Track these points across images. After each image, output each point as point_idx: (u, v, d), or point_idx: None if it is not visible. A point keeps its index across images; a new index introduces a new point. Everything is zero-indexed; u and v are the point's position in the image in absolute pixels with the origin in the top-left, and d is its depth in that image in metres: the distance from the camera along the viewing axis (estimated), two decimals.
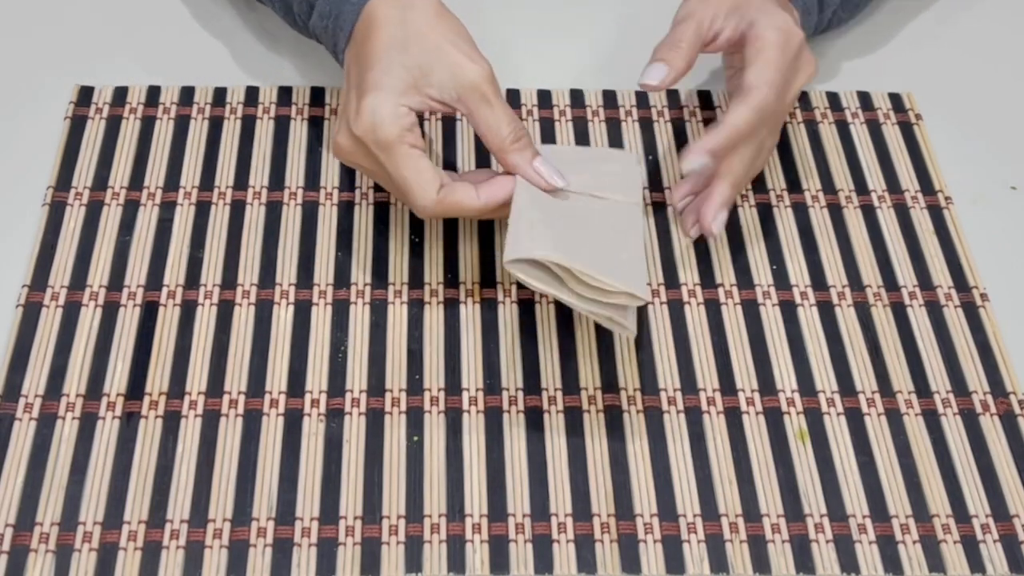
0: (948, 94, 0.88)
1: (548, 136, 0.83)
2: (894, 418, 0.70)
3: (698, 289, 0.75)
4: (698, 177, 0.75)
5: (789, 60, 0.74)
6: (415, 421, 0.68)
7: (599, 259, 0.66)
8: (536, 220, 0.68)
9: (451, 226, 0.77)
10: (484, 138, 0.70)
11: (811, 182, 0.81)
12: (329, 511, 0.65)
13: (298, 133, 0.82)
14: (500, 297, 0.74)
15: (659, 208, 0.79)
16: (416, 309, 0.73)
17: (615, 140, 0.83)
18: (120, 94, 0.83)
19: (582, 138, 0.83)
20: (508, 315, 0.73)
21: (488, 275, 0.75)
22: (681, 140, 0.83)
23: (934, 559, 0.65)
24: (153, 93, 0.84)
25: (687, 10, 0.76)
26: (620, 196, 0.73)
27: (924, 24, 0.93)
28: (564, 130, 0.83)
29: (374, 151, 0.68)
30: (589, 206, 0.71)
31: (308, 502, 0.65)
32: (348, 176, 0.80)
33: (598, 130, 0.84)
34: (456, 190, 0.69)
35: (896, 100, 0.87)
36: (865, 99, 0.87)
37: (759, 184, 0.81)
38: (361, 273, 0.75)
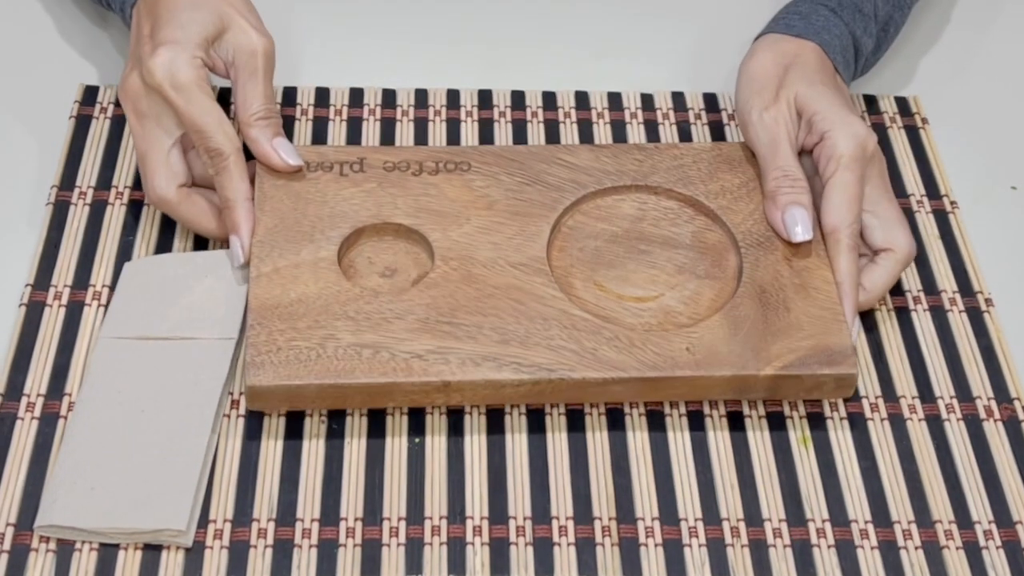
0: (955, 98, 0.88)
1: (552, 138, 0.83)
2: (897, 423, 0.70)
3: None
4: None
5: (865, 175, 0.72)
6: (416, 423, 0.68)
7: (136, 487, 0.63)
8: (75, 477, 0.63)
9: None
10: (237, 109, 0.72)
11: None
12: (330, 512, 0.65)
13: (299, 133, 0.82)
14: None
15: None
16: None
17: (620, 141, 0.83)
18: None
19: (587, 140, 0.83)
20: None
21: None
22: (686, 142, 0.83)
23: (936, 565, 0.64)
24: None
25: (768, 132, 0.73)
26: (215, 329, 0.69)
27: (930, 28, 0.93)
28: (569, 132, 0.83)
29: (170, 95, 0.70)
30: (157, 387, 0.67)
31: (309, 503, 0.65)
32: None
33: (603, 132, 0.83)
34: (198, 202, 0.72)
35: (902, 104, 0.87)
36: (871, 103, 0.87)
37: None
38: None
